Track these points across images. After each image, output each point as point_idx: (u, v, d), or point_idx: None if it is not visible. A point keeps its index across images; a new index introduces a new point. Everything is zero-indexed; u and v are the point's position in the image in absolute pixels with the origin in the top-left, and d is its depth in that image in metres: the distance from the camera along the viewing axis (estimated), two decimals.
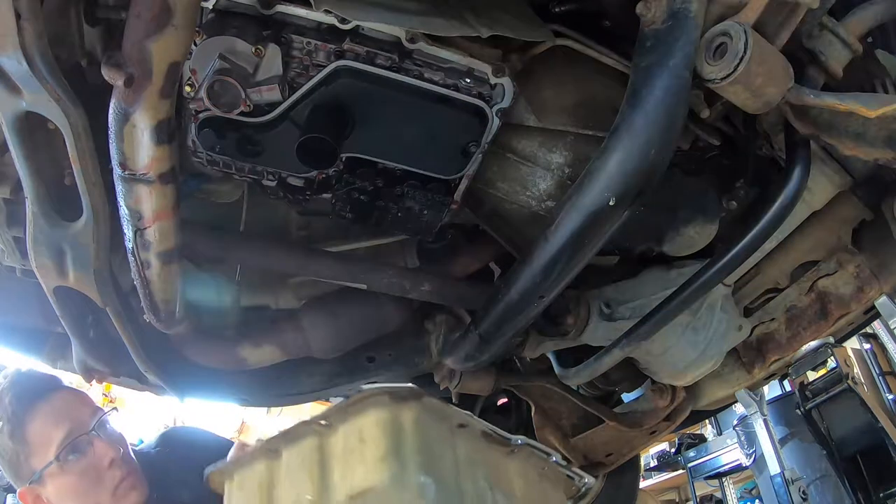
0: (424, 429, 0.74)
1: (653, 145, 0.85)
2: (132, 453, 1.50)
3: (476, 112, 1.04)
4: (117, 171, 0.85)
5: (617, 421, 1.96)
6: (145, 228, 0.92)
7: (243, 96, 0.92)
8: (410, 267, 1.43)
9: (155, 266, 0.98)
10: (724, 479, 5.57)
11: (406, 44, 0.97)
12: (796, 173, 1.01)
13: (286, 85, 0.97)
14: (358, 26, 0.95)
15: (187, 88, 0.94)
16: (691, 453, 5.71)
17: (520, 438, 0.86)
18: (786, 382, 3.98)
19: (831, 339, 2.99)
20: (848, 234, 1.47)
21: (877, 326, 4.28)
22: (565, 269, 1.01)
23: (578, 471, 0.96)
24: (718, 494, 5.77)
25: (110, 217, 0.95)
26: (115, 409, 1.53)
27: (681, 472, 6.12)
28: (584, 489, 0.97)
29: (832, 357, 3.42)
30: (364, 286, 1.29)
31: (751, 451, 4.43)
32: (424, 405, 0.76)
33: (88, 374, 1.34)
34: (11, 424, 1.37)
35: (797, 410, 3.61)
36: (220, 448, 1.65)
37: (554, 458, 0.92)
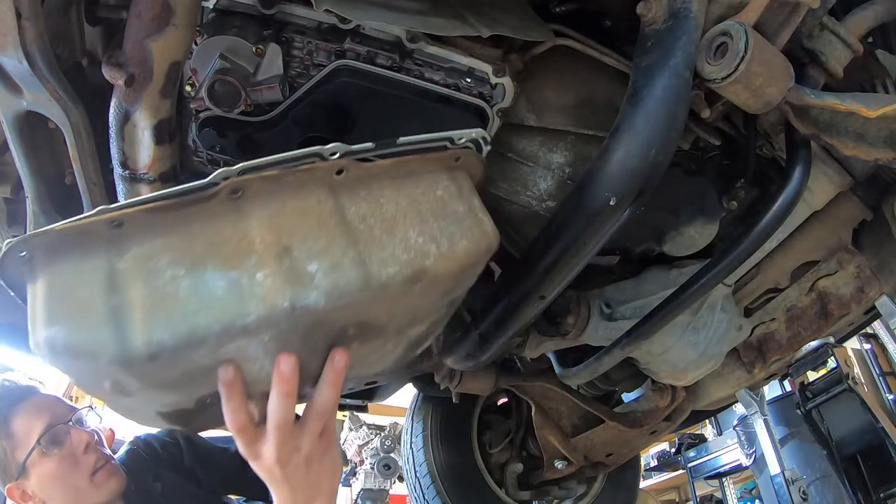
0: (52, 274, 0.64)
1: (653, 145, 0.85)
2: (105, 445, 1.61)
3: (476, 112, 1.04)
4: (118, 170, 0.85)
5: (617, 421, 1.96)
6: None
7: (244, 96, 0.92)
8: None
9: None
10: (724, 479, 5.57)
11: (406, 43, 0.97)
12: (797, 173, 1.01)
13: (287, 84, 0.98)
14: (358, 26, 0.95)
15: (188, 88, 0.94)
16: (691, 453, 5.71)
17: (223, 172, 0.66)
18: (786, 382, 3.98)
19: (831, 339, 2.99)
20: (848, 234, 1.47)
21: (877, 326, 4.29)
22: (565, 269, 1.01)
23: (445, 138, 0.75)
24: (718, 494, 5.77)
25: None
26: (90, 407, 1.64)
27: (681, 472, 6.13)
28: (468, 147, 0.77)
29: (832, 357, 3.42)
30: None
31: (751, 451, 4.43)
32: (51, 244, 0.64)
33: None
34: None
35: (797, 410, 3.61)
36: (174, 441, 1.77)
37: (334, 154, 0.69)
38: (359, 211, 0.70)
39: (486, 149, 0.81)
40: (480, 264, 0.78)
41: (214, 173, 0.66)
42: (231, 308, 0.63)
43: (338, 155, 0.69)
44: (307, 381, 0.75)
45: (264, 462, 0.80)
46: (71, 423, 1.51)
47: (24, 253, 0.64)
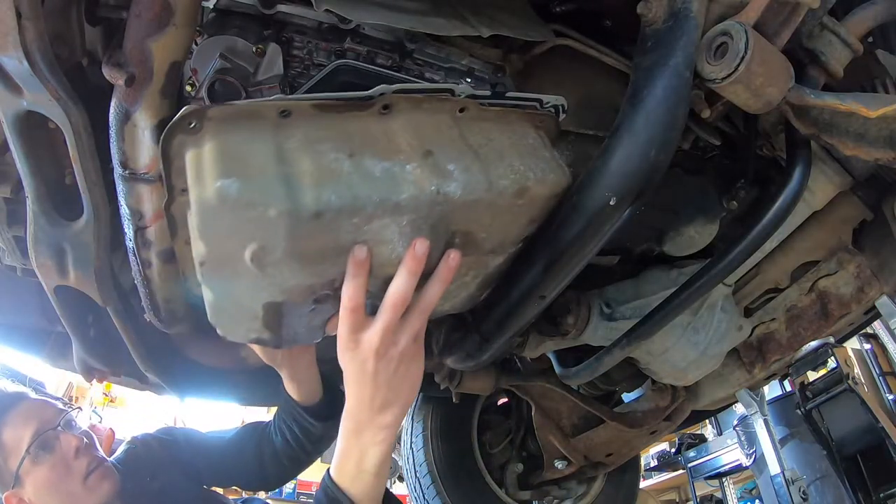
0: (223, 140, 0.73)
1: (654, 145, 0.85)
2: (101, 450, 1.59)
3: None
4: (118, 170, 0.85)
5: (617, 421, 1.96)
6: (146, 227, 0.91)
7: (244, 95, 0.92)
8: None
9: (156, 265, 0.98)
10: (724, 479, 5.57)
11: (407, 43, 0.97)
12: (797, 173, 1.01)
13: (287, 84, 0.97)
14: (358, 26, 0.95)
15: (188, 88, 0.94)
16: (691, 453, 5.71)
17: (381, 88, 0.80)
18: (786, 382, 3.98)
19: (831, 339, 2.99)
20: (848, 234, 1.47)
21: (877, 326, 4.29)
22: (565, 269, 1.01)
23: (530, 95, 0.92)
24: (718, 494, 5.77)
25: (111, 216, 0.95)
26: (79, 408, 1.64)
27: (681, 472, 6.13)
28: (550, 112, 0.94)
29: (832, 357, 3.41)
30: None
31: (751, 451, 4.43)
32: (222, 118, 0.74)
33: (89, 374, 1.34)
34: None
35: (797, 410, 3.61)
36: (171, 439, 1.74)
37: (460, 91, 0.85)
38: (476, 140, 0.85)
39: (563, 116, 0.96)
40: (559, 197, 0.92)
41: (373, 89, 0.79)
42: (387, 186, 0.75)
43: (464, 95, 0.86)
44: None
45: (361, 351, 0.85)
46: (60, 428, 1.50)
47: (193, 124, 0.72)
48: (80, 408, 1.67)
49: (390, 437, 0.94)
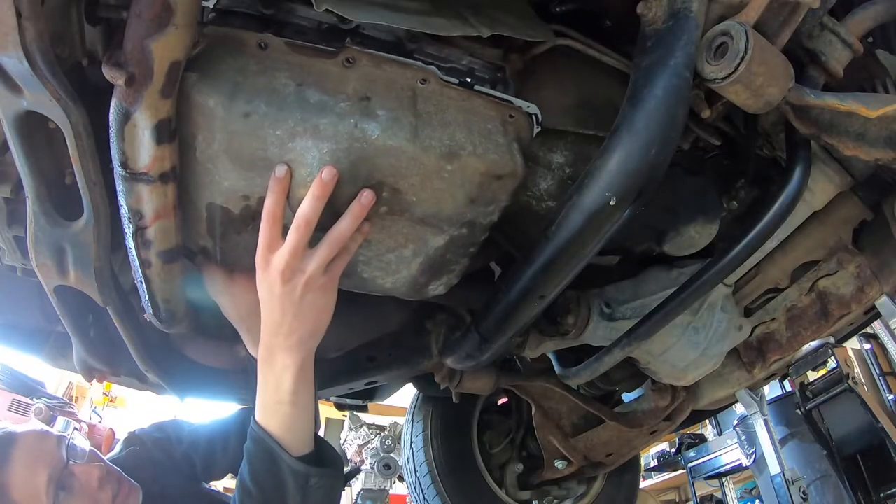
0: (207, 51, 0.84)
1: (654, 145, 0.85)
2: (108, 462, 1.49)
3: None
4: (118, 170, 0.85)
5: (617, 421, 1.96)
6: (146, 228, 0.92)
7: None
8: None
9: (155, 265, 0.98)
10: (724, 479, 5.57)
11: (407, 43, 0.96)
12: (797, 173, 1.01)
13: None
14: (358, 26, 0.95)
15: None
16: (691, 453, 5.72)
17: (354, 45, 0.90)
18: (786, 382, 3.99)
19: (831, 340, 2.99)
20: (848, 234, 1.47)
21: (877, 327, 4.29)
22: (565, 269, 1.01)
23: (504, 96, 0.96)
24: (718, 494, 5.77)
25: (111, 216, 0.95)
26: (75, 428, 1.50)
27: (681, 472, 6.13)
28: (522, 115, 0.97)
29: (832, 357, 3.42)
30: None
31: (751, 451, 4.43)
32: (214, 36, 0.85)
33: (89, 373, 1.34)
34: None
35: (797, 410, 3.62)
36: (164, 436, 1.67)
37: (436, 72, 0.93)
38: (426, 108, 0.91)
39: (537, 129, 0.98)
40: (504, 182, 0.95)
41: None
42: (314, 110, 0.85)
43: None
44: (331, 215, 0.90)
45: (270, 271, 0.92)
46: (71, 462, 1.36)
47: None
48: (76, 428, 1.48)
49: (300, 360, 0.98)
